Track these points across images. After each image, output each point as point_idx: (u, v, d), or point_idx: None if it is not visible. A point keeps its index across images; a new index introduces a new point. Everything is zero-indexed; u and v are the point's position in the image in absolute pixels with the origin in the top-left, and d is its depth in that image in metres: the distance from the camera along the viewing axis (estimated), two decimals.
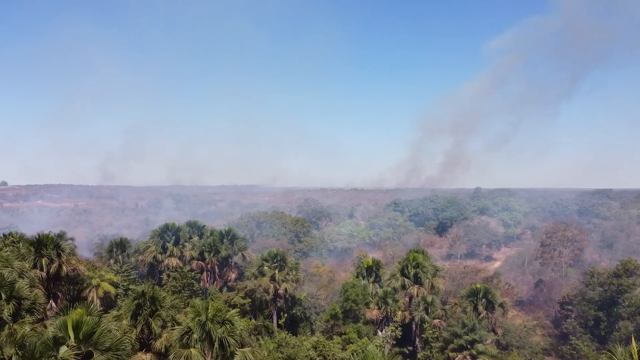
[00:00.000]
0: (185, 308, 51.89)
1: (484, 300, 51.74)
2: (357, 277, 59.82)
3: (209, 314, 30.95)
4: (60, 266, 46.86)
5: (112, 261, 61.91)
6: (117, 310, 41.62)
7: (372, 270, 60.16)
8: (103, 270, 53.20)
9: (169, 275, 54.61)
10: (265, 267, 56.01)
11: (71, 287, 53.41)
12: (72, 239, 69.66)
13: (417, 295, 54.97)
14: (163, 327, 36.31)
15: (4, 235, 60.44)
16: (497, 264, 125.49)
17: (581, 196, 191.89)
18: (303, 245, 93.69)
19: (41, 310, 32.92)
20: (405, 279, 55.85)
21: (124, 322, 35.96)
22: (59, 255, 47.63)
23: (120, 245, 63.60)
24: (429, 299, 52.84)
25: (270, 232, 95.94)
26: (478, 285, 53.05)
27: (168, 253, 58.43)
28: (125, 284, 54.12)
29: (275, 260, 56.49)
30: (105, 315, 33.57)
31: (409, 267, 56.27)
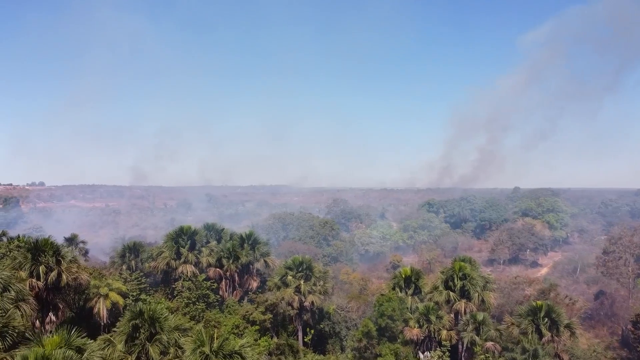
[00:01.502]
0: (197, 324, 46.12)
1: (546, 320, 43.59)
2: (394, 288, 52.55)
3: (214, 345, 24.60)
4: (59, 275, 41.85)
5: (124, 267, 56.93)
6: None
7: (410, 281, 52.78)
8: (110, 279, 47.99)
9: (182, 285, 48.92)
10: (290, 277, 49.58)
11: (76, 297, 48.63)
12: (83, 242, 65.62)
13: (464, 312, 47.22)
14: (163, 353, 30.40)
15: (9, 239, 56.50)
16: (544, 271, 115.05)
17: (634, 196, 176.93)
18: (332, 249, 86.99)
19: (15, 334, 27.45)
20: (451, 293, 48.16)
21: (118, 347, 30.30)
22: (58, 263, 42.54)
23: (134, 249, 58.56)
24: (480, 316, 45.00)
25: (296, 235, 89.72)
26: (539, 302, 44.84)
27: (182, 259, 52.86)
28: (134, 293, 48.77)
29: (300, 269, 49.99)
30: (93, 342, 27.96)
31: (455, 279, 48.55)
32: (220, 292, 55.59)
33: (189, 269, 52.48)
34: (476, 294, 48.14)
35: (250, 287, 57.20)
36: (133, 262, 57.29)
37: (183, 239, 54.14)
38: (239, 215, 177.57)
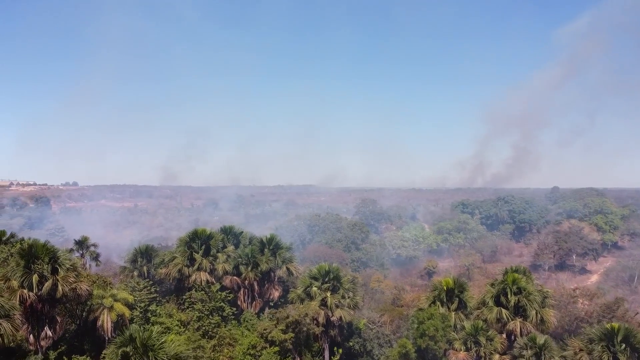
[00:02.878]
0: (209, 342, 40.63)
1: (624, 346, 35.89)
2: (434, 302, 45.64)
3: None
4: (55, 285, 37.20)
5: (135, 273, 52.23)
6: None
7: (453, 294, 45.72)
8: (115, 288, 43.12)
9: (192, 296, 43.60)
10: (314, 288, 43.55)
11: (79, 308, 44.08)
12: (94, 245, 61.38)
13: (520, 334, 40.01)
14: None
15: (13, 241, 52.70)
16: (594, 278, 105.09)
17: None
18: (361, 253, 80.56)
19: None
20: (503, 310, 41.02)
21: None
22: (54, 271, 37.74)
23: (146, 254, 53.79)
24: (541, 340, 37.66)
25: (323, 238, 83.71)
26: (615, 325, 37.11)
27: (196, 266, 47.59)
28: (142, 304, 43.77)
29: (327, 279, 43.90)
30: None
31: (509, 294, 41.35)
32: (238, 303, 50.11)
33: (203, 277, 47.15)
34: (533, 312, 40.86)
35: (271, 297, 51.48)
36: (145, 267, 52.54)
37: (197, 244, 48.88)
38: (265, 216, 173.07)
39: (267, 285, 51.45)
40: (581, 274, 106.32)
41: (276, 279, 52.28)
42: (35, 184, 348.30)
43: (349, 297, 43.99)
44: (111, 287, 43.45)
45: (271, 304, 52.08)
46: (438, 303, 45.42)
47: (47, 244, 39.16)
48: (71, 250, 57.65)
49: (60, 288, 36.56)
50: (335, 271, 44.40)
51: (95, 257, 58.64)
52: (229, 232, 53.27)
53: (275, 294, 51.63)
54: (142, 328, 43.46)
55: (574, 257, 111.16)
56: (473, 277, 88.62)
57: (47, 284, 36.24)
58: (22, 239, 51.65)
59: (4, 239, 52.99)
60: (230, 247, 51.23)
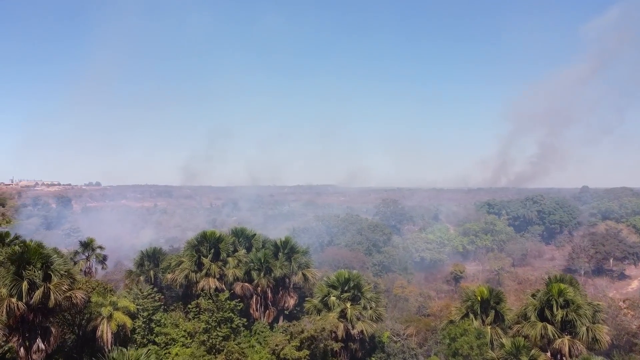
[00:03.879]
0: (215, 357, 36.76)
1: None
2: (467, 314, 40.79)
3: None
4: (47, 293, 33.91)
5: (142, 278, 48.88)
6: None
7: (488, 306, 40.76)
8: (116, 296, 39.67)
9: (198, 306, 39.84)
10: (332, 298, 39.26)
11: (78, 317, 40.82)
12: (101, 247, 58.42)
13: (569, 354, 34.87)
14: None
15: (16, 242, 49.97)
16: (634, 284, 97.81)
17: None
18: (383, 256, 75.85)
19: None
20: (548, 326, 35.90)
21: None
22: (47, 278, 34.46)
23: (153, 257, 50.46)
24: None
25: (342, 240, 79.28)
26: None
27: (204, 272, 43.84)
28: (145, 314, 40.22)
29: (347, 288, 39.57)
30: None
31: (554, 307, 36.21)
32: (251, 311, 46.20)
33: (212, 283, 43.38)
34: (584, 328, 35.60)
35: (286, 305, 47.41)
36: (152, 272, 49.17)
37: (205, 247, 45.15)
38: (283, 216, 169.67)
39: (281, 293, 47.40)
40: (620, 279, 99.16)
41: (291, 286, 48.19)
42: (59, 184, 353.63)
43: (371, 308, 39.56)
44: (112, 294, 40.03)
45: (286, 312, 48.05)
46: (471, 315, 40.53)
47: (42, 247, 35.97)
48: (76, 253, 54.86)
49: (52, 296, 33.30)
50: (356, 279, 40.01)
51: (102, 260, 55.63)
52: (240, 235, 49.38)
53: (291, 302, 47.55)
54: (144, 340, 40.27)
55: (611, 261, 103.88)
56: (503, 283, 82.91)
57: (38, 293, 32.89)
58: (24, 241, 48.91)
59: (8, 240, 50.36)
60: (242, 251, 47.34)
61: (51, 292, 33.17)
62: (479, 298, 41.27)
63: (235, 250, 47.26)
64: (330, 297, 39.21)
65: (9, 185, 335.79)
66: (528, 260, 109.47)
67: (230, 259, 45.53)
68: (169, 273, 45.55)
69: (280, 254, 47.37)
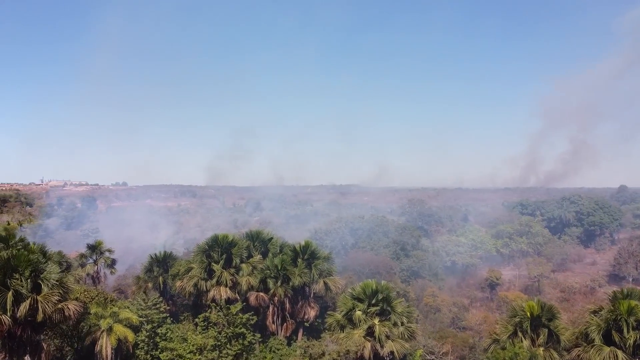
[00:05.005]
0: None
1: None
2: (514, 333, 35.18)
3: None
4: (35, 305, 30.18)
5: (150, 284, 45.10)
6: None
7: (539, 323, 35.03)
8: (117, 306, 35.74)
9: (207, 319, 35.53)
10: (358, 312, 34.28)
11: (76, 329, 37.10)
12: (109, 250, 55.15)
13: None
14: None
15: (20, 245, 46.91)
16: None
17: None
18: (412, 261, 70.34)
19: None
20: (618, 351, 30.03)
21: None
22: (35, 288, 30.77)
23: (163, 262, 46.66)
24: None
25: (368, 243, 74.07)
26: None
27: (215, 279, 39.60)
28: (149, 326, 36.17)
29: (374, 301, 34.51)
30: None
31: (624, 328, 30.31)
32: (267, 323, 41.74)
33: (223, 292, 39.11)
34: None
35: (306, 316, 42.76)
36: (161, 278, 45.35)
37: (217, 253, 40.91)
38: (306, 216, 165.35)
39: (300, 303, 42.76)
40: None
41: (312, 295, 43.51)
42: (87, 184, 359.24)
43: (402, 325, 34.39)
44: (113, 305, 36.16)
45: (306, 324, 43.44)
46: (520, 334, 34.88)
47: (32, 252, 32.39)
48: (83, 256, 51.62)
49: (40, 309, 29.55)
50: (385, 290, 34.90)
51: (110, 264, 52.21)
52: (255, 238, 44.93)
53: (311, 313, 42.87)
54: (148, 356, 36.24)
55: None
56: (543, 290, 76.14)
57: (24, 305, 29.15)
58: (25, 244, 45.79)
59: (12, 243, 47.38)
60: (257, 257, 42.92)
61: (39, 304, 29.49)
62: (528, 314, 35.54)
63: (250, 256, 42.90)
64: (355, 311, 34.25)
65: (39, 185, 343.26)
66: (567, 264, 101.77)
67: (244, 265, 41.18)
68: (178, 280, 41.50)
69: (299, 260, 42.72)
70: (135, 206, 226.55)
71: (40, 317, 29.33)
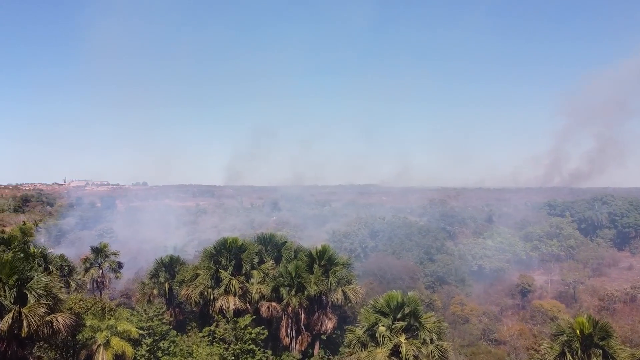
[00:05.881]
0: None
1: None
2: (562, 354, 30.63)
3: None
4: (19, 319, 27.11)
5: (155, 291, 41.98)
6: None
7: (591, 342, 30.38)
8: (114, 318, 32.51)
9: (212, 333, 32.02)
10: (382, 328, 30.20)
11: (72, 343, 34.05)
12: (115, 253, 52.35)
13: None
14: None
15: (20, 244, 44.42)
16: None
17: None
18: (436, 266, 65.85)
19: None
20: None
21: None
22: (19, 299, 27.85)
23: (169, 267, 43.48)
24: None
25: (389, 246, 69.83)
26: None
27: (223, 288, 36.08)
28: (149, 340, 32.85)
29: (400, 315, 30.39)
30: None
31: None
32: (280, 336, 38.08)
33: (232, 302, 35.55)
34: None
35: (323, 328, 38.91)
36: (167, 285, 42.14)
37: (225, 258, 37.41)
38: (323, 217, 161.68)
39: (317, 314, 38.93)
40: None
41: (329, 305, 39.62)
42: (108, 184, 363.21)
43: (432, 343, 30.20)
44: (111, 316, 32.96)
45: (323, 337, 39.65)
46: (568, 356, 30.32)
47: (19, 260, 29.39)
48: (87, 260, 48.88)
49: (25, 323, 26.45)
50: (413, 303, 30.73)
51: (116, 268, 49.32)
52: (268, 242, 41.29)
53: (329, 324, 38.97)
54: None
55: None
56: (579, 298, 70.80)
57: (7, 318, 26.13)
58: (25, 247, 43.21)
59: (13, 245, 44.98)
60: (269, 263, 39.26)
61: (24, 318, 26.41)
62: (578, 332, 30.92)
63: (262, 262, 39.28)
64: (378, 327, 30.20)
65: (62, 185, 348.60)
66: (602, 269, 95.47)
67: (254, 272, 37.55)
68: (183, 288, 38.19)
69: (315, 266, 38.90)
70: (153, 206, 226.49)
71: (24, 331, 26.26)
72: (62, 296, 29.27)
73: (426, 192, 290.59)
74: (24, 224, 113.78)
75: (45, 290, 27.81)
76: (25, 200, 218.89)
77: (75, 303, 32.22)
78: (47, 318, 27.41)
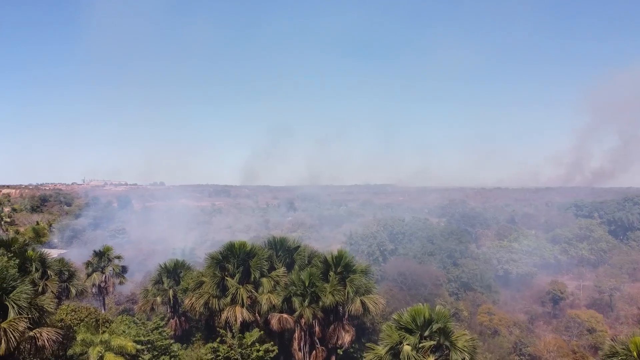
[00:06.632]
0: None
1: None
2: None
3: None
4: None
5: (158, 299, 38.99)
6: None
7: None
8: (110, 331, 29.51)
9: (215, 351, 28.75)
10: (407, 347, 26.47)
11: (63, 356, 31.23)
12: (118, 257, 49.68)
13: None
14: None
15: (23, 250, 41.98)
16: None
17: None
18: (460, 271, 61.65)
19: None
20: None
21: None
22: (1, 311, 25.14)
23: (174, 272, 40.50)
24: None
25: (410, 250, 65.89)
26: None
27: (229, 297, 32.82)
28: (148, 356, 29.77)
29: (427, 333, 26.69)
30: None
31: None
32: (292, 350, 34.66)
33: (239, 314, 32.24)
34: None
35: (339, 342, 35.31)
36: (171, 292, 39.14)
37: (232, 264, 34.13)
38: (340, 217, 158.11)
39: (333, 326, 35.36)
40: None
41: (346, 317, 36.01)
42: (126, 184, 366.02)
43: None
44: (106, 328, 30.00)
45: (340, 351, 36.07)
46: None
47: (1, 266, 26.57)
48: (89, 264, 46.24)
49: (3, 340, 23.61)
50: (442, 319, 26.92)
51: (120, 272, 46.57)
52: (279, 247, 37.88)
53: (346, 337, 35.34)
54: None
55: None
56: (615, 306, 65.71)
57: None
58: (24, 250, 40.72)
59: (14, 247, 42.55)
60: (281, 269, 35.85)
61: (3, 333, 23.53)
62: (635, 354, 26.77)
63: (272, 268, 35.90)
64: (403, 346, 26.50)
65: (81, 185, 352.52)
66: (637, 275, 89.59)
67: (264, 280, 34.19)
68: (187, 297, 35.07)
69: (331, 273, 35.39)
70: (169, 206, 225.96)
71: (2, 349, 23.37)
72: (49, 308, 26.32)
73: (443, 192, 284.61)
74: (37, 224, 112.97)
75: (29, 302, 24.95)
76: (44, 200, 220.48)
77: (66, 314, 29.37)
78: (30, 333, 24.54)
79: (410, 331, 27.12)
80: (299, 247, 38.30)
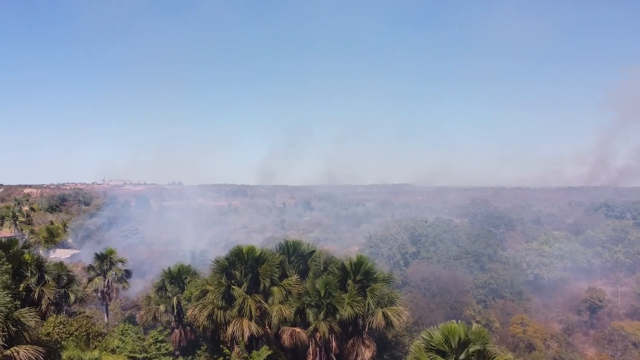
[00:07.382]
0: None
1: None
2: None
3: None
4: None
5: (162, 307, 35.87)
6: None
7: None
8: (98, 349, 26.39)
9: None
10: None
11: None
12: (122, 260, 46.90)
13: None
14: None
15: (22, 252, 39.43)
16: None
17: None
18: (489, 276, 57.19)
19: None
20: None
21: None
22: None
23: (178, 278, 37.36)
24: None
25: (433, 253, 61.65)
26: None
27: (236, 309, 29.44)
28: None
29: (463, 356, 22.85)
30: None
31: None
32: None
33: (246, 327, 28.78)
34: None
35: (359, 359, 31.62)
36: (174, 299, 35.96)
37: (240, 271, 30.73)
38: (357, 217, 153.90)
39: (351, 340, 31.70)
40: None
41: (366, 330, 32.30)
42: (145, 184, 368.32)
43: None
44: (98, 342, 26.92)
45: None
46: None
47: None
48: (90, 268, 43.51)
49: None
50: (479, 340, 22.98)
51: (123, 277, 43.72)
52: (292, 252, 34.32)
53: (366, 354, 31.63)
54: None
55: None
56: None
57: None
58: (22, 252, 38.11)
59: (13, 250, 40.05)
60: (293, 277, 32.29)
61: None
62: None
63: (284, 276, 32.39)
64: None
65: (101, 184, 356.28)
66: None
67: (275, 289, 30.66)
68: (190, 307, 31.82)
69: (349, 282, 31.74)
70: (185, 205, 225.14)
71: None
72: (30, 322, 23.32)
73: (462, 192, 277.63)
74: (52, 223, 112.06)
75: (6, 316, 21.99)
76: (63, 200, 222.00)
77: (54, 327, 26.37)
78: (6, 352, 21.59)
79: (443, 354, 23.23)
80: (313, 252, 34.68)
